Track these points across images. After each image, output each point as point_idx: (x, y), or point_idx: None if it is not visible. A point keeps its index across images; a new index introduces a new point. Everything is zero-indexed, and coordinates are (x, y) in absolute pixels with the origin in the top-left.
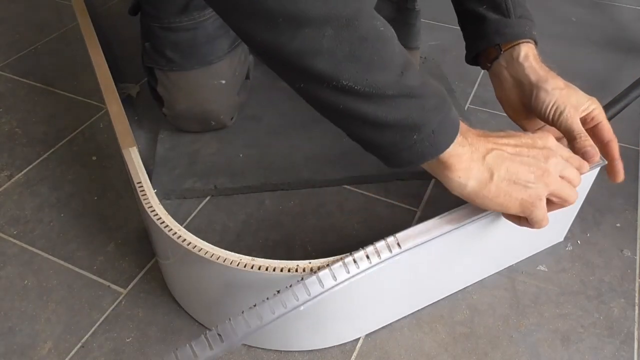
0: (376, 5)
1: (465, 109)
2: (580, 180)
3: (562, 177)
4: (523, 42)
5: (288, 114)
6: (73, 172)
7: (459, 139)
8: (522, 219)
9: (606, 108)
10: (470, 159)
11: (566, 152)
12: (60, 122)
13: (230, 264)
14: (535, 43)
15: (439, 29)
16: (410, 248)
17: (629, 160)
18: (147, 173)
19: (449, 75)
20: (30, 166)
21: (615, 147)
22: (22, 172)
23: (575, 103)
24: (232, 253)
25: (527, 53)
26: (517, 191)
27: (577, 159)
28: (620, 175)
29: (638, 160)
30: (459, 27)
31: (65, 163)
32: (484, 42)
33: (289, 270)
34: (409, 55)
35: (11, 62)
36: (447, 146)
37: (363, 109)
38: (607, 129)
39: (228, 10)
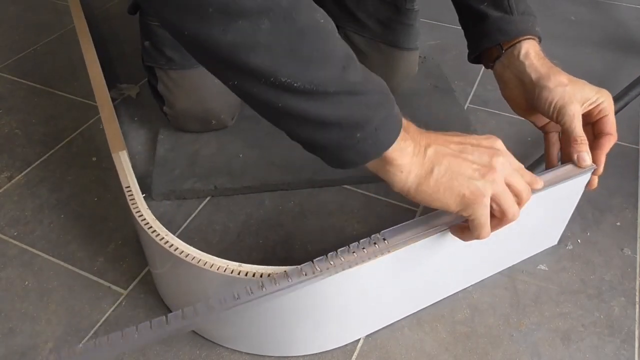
0: (374, 5)
1: (465, 108)
2: (529, 195)
3: (508, 185)
4: (525, 39)
5: None
6: (73, 173)
7: (401, 134)
8: (466, 230)
9: None
10: (412, 154)
11: (517, 163)
12: (60, 123)
13: (217, 269)
14: (539, 39)
15: (439, 29)
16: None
17: (629, 159)
18: (147, 174)
19: (448, 74)
20: (30, 167)
21: (609, 141)
22: (22, 174)
23: (580, 99)
24: (219, 259)
25: (528, 50)
26: (459, 186)
27: (529, 173)
28: (599, 169)
29: (638, 160)
30: (458, 26)
31: (65, 164)
32: (487, 41)
33: None
34: (349, 49)
35: (10, 63)
36: (391, 144)
37: (303, 107)
38: (610, 123)
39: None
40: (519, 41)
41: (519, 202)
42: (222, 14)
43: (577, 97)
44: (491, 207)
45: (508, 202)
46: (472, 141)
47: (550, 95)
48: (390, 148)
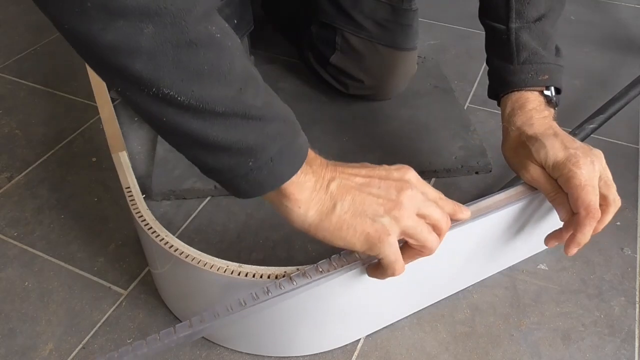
0: (371, 6)
1: (465, 108)
2: (448, 224)
3: (422, 217)
4: (514, 92)
5: None
6: (73, 173)
7: (302, 167)
8: (380, 268)
9: (605, 106)
10: (313, 189)
11: (433, 193)
12: (60, 123)
13: (217, 270)
14: (546, 87)
15: (438, 29)
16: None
17: (629, 159)
18: (147, 174)
19: (448, 74)
20: (30, 168)
21: (586, 225)
22: (22, 174)
23: (537, 159)
24: (219, 260)
25: (505, 106)
26: (362, 224)
27: (450, 203)
28: (571, 251)
29: (638, 159)
30: (458, 26)
31: (65, 164)
32: (490, 90)
33: (276, 277)
34: (255, 71)
35: (10, 63)
36: (288, 177)
37: (190, 125)
38: (575, 198)
39: None
40: (506, 94)
41: (438, 233)
42: (100, 11)
43: (525, 163)
44: (408, 241)
45: (423, 234)
46: (381, 173)
47: (506, 158)
48: (288, 181)
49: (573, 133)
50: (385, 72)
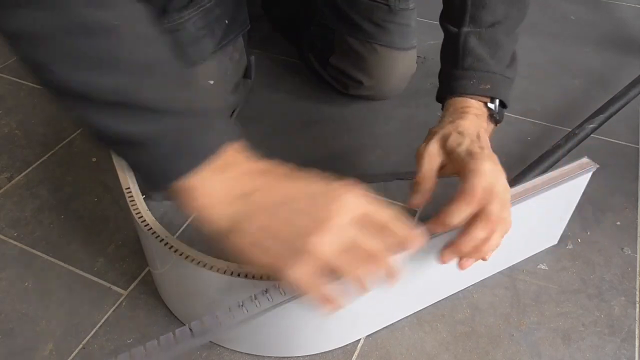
0: (367, 7)
1: None
2: (387, 255)
3: (355, 246)
4: (455, 97)
5: (288, 114)
6: (73, 173)
7: (215, 165)
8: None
9: (605, 106)
10: (226, 194)
11: (382, 214)
12: (60, 123)
13: (217, 271)
14: (491, 100)
15: (438, 28)
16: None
17: (629, 159)
18: None
19: None
20: (30, 168)
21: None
22: (22, 174)
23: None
24: (220, 260)
25: (446, 111)
26: (272, 245)
27: (403, 227)
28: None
29: (638, 160)
30: None
31: (65, 165)
32: (437, 94)
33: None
34: (168, 61)
35: (10, 63)
36: (185, 172)
37: (81, 110)
38: (468, 185)
39: None
40: (452, 98)
41: (374, 265)
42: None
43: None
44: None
45: (348, 266)
46: (315, 191)
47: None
48: (193, 180)
49: (573, 133)
50: (384, 72)
